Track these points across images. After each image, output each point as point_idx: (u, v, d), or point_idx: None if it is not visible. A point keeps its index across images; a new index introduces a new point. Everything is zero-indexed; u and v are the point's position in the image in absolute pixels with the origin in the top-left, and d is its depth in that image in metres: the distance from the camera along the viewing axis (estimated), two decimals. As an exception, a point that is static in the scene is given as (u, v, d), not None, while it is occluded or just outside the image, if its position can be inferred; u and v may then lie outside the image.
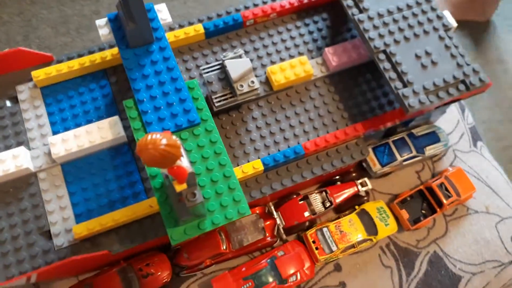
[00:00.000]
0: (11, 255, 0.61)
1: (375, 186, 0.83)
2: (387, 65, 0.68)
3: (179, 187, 0.48)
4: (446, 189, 0.78)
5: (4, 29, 1.81)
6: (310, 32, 0.80)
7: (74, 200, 0.65)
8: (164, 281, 0.73)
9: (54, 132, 0.68)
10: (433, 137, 0.83)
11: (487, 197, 0.84)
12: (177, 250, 0.75)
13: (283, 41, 0.79)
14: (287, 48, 0.79)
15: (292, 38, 0.79)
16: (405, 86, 0.67)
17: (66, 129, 0.68)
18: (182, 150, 0.46)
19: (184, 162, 0.46)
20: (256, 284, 0.72)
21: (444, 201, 0.77)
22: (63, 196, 0.65)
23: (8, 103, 0.69)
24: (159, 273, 0.73)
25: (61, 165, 0.66)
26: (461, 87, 0.68)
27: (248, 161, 0.69)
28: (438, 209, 0.78)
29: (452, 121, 0.90)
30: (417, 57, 0.69)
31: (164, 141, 0.42)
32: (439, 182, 0.79)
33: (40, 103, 0.70)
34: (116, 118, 0.67)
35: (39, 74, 0.69)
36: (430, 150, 0.82)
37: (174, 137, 0.45)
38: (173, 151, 0.42)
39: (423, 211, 0.79)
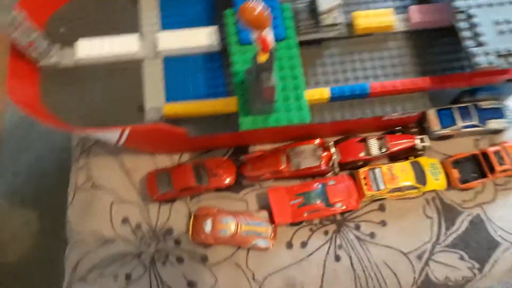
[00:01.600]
0: (111, 115, 0.76)
1: (433, 146, 0.88)
2: (464, 24, 0.73)
3: (262, 58, 0.58)
4: (501, 158, 0.82)
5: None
6: None
7: (168, 87, 0.78)
8: (227, 183, 0.85)
9: (163, 29, 0.82)
10: (498, 112, 0.87)
11: (543, 176, 0.86)
12: (243, 162, 0.87)
13: None
14: (375, 1, 0.85)
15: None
16: (477, 45, 0.72)
17: (173, 28, 0.81)
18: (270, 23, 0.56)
19: (269, 36, 0.56)
20: (305, 201, 0.81)
21: (497, 167, 0.81)
22: (159, 82, 0.78)
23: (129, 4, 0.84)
24: (225, 176, 0.85)
25: (163, 57, 0.80)
26: (536, 56, 0.71)
27: (318, 88, 0.78)
28: (489, 174, 0.82)
29: (523, 102, 0.92)
30: (497, 23, 0.73)
31: (260, 7, 0.52)
32: (495, 150, 0.83)
33: (156, 6, 0.84)
34: (215, 27, 0.79)
35: None
36: (491, 123, 0.86)
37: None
38: (265, 15, 0.53)
39: (475, 174, 0.83)
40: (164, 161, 0.89)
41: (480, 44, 0.72)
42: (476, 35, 0.72)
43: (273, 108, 0.69)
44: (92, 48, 0.78)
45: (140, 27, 0.82)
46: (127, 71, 0.80)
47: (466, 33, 0.73)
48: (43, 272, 1.46)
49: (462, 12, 0.74)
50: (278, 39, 0.73)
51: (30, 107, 0.74)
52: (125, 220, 0.86)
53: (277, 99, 0.70)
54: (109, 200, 0.87)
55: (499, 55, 0.71)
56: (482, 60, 0.71)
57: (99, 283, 0.83)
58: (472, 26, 0.73)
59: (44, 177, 1.68)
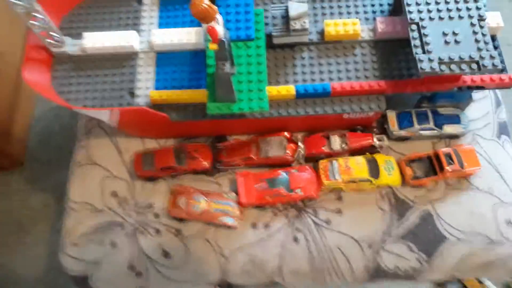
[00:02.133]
0: (106, 99, 0.89)
1: (391, 146, 0.96)
2: (415, 34, 0.83)
3: (213, 47, 0.69)
4: (451, 159, 0.89)
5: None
6: (369, 4, 0.95)
7: (157, 77, 0.91)
8: (204, 166, 0.96)
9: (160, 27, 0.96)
10: (455, 119, 0.94)
11: (493, 180, 0.92)
12: (219, 149, 0.98)
13: (348, 6, 0.95)
14: (348, 13, 0.95)
15: (355, 6, 0.95)
16: (423, 53, 0.81)
17: (167, 27, 0.95)
18: (219, 18, 0.67)
19: (218, 28, 0.67)
20: (269, 186, 0.91)
21: (446, 166, 0.88)
22: (150, 73, 0.92)
23: (135, 4, 0.98)
24: (202, 160, 0.96)
25: (156, 52, 0.93)
26: (473, 66, 0.79)
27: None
28: (440, 174, 0.89)
29: (481, 110, 0.99)
30: (444, 34, 0.82)
31: (207, 1, 0.63)
32: (446, 151, 0.90)
33: (156, 8, 0.97)
34: (202, 29, 0.91)
35: None
36: (448, 128, 0.93)
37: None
38: (211, 10, 0.64)
39: (427, 174, 0.91)
40: (152, 144, 1.01)
41: (425, 52, 0.81)
42: (423, 44, 0.82)
43: (236, 98, 0.80)
44: (96, 40, 0.93)
45: (140, 24, 0.96)
46: (124, 61, 0.94)
47: (416, 42, 0.82)
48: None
49: (415, 23, 0.84)
50: (249, 39, 0.86)
51: (41, 88, 0.88)
52: (113, 194, 0.98)
53: (242, 90, 0.82)
54: (102, 175, 1.00)
55: (441, 62, 0.80)
56: (426, 65, 0.80)
57: (88, 247, 0.95)
58: (421, 36, 0.82)
59: (65, 165, 1.83)
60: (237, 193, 0.93)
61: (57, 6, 0.96)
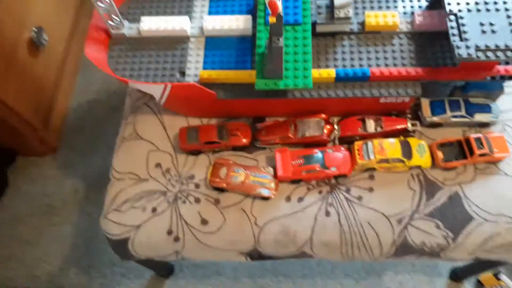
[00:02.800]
0: (158, 76, 0.96)
1: (424, 132, 1.01)
2: (454, 24, 0.88)
3: (271, 20, 0.76)
4: (481, 144, 0.93)
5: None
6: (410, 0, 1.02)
7: (206, 60, 0.98)
8: (244, 143, 1.02)
9: (209, 14, 1.03)
10: (485, 108, 0.98)
11: (521, 167, 0.96)
12: (258, 129, 1.04)
13: (387, 1, 1.02)
14: (388, 7, 1.01)
15: (395, 1, 1.02)
16: (461, 40, 0.86)
17: (217, 14, 1.02)
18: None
19: (279, 3, 0.74)
20: (305, 162, 0.96)
21: (476, 151, 0.92)
22: (200, 55, 0.99)
23: None
24: (242, 137, 1.02)
25: (206, 36, 1.01)
26: (509, 53, 0.84)
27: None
28: (469, 157, 0.93)
29: (512, 103, 1.03)
30: (481, 24, 0.87)
31: None
32: (477, 137, 0.94)
33: None
34: (250, 16, 0.99)
35: None
36: (478, 116, 0.98)
37: None
38: None
39: (457, 158, 0.95)
40: (196, 123, 1.08)
41: (463, 40, 0.86)
42: (461, 33, 0.87)
43: (282, 75, 0.86)
44: (152, 24, 1.01)
45: (192, 12, 1.04)
46: (176, 44, 1.01)
47: (454, 31, 0.88)
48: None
49: (453, 14, 0.89)
50: (297, 23, 0.93)
51: (99, 63, 0.96)
52: (157, 165, 1.04)
53: (288, 68, 0.88)
54: (147, 149, 1.07)
55: (478, 50, 0.85)
56: (463, 52, 0.85)
57: (130, 213, 1.01)
58: (459, 26, 0.88)
59: (97, 154, 1.92)
60: (274, 168, 0.98)
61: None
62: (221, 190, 0.99)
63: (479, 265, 1.25)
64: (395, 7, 1.01)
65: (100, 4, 0.94)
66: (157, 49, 1.01)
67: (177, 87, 0.94)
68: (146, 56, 1.01)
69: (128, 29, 1.02)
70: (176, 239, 0.99)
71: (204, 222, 0.98)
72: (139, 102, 1.14)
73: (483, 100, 0.99)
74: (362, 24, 0.99)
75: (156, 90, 0.97)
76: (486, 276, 1.37)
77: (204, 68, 0.98)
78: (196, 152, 1.04)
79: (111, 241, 1.03)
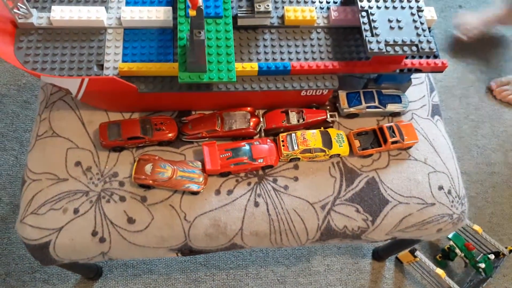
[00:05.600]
0: (74, 70, 0.91)
1: (342, 122, 1.07)
2: (365, 20, 0.94)
3: (192, 13, 0.75)
4: (393, 132, 1.01)
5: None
6: None
7: (125, 52, 0.95)
8: (169, 137, 1.00)
9: (127, 5, 0.99)
10: (396, 99, 1.07)
11: (428, 152, 1.06)
12: (184, 123, 1.03)
13: None
14: (305, 2, 1.05)
15: (312, -4, 1.06)
16: (372, 36, 0.92)
17: (135, 5, 0.98)
18: None
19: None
20: (233, 155, 0.98)
21: (389, 139, 1.00)
22: (119, 47, 0.95)
23: None
24: (167, 131, 1.00)
25: (124, 27, 0.97)
26: (414, 48, 0.91)
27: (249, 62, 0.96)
28: (383, 145, 1.01)
29: (419, 94, 1.13)
30: (389, 21, 0.94)
31: None
32: (389, 125, 1.02)
33: None
34: (170, 8, 0.97)
35: None
36: (390, 106, 1.06)
37: None
38: None
39: (372, 145, 1.02)
40: (117, 118, 1.04)
41: (373, 35, 0.92)
42: (372, 29, 0.93)
43: (206, 68, 0.86)
44: (64, 13, 0.94)
45: (108, 2, 0.99)
46: (92, 35, 0.96)
47: (366, 26, 0.93)
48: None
49: (364, 11, 0.95)
50: (218, 16, 0.93)
51: (5, 55, 0.88)
52: (77, 164, 0.99)
53: (212, 61, 0.88)
54: (66, 146, 1.01)
55: (387, 44, 0.91)
56: (374, 46, 0.91)
57: (49, 215, 0.95)
58: (370, 22, 0.94)
59: (6, 153, 1.78)
60: (202, 162, 0.98)
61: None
62: (147, 187, 0.97)
63: (396, 244, 1.37)
64: (313, 2, 1.05)
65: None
66: (71, 41, 0.95)
67: (95, 80, 0.90)
68: (59, 48, 0.94)
69: (37, 18, 0.95)
70: (102, 239, 0.95)
71: (130, 220, 0.96)
72: (54, 97, 1.06)
73: (394, 91, 1.07)
74: (282, 18, 1.02)
75: (72, 84, 0.91)
76: (403, 254, 1.50)
77: (124, 61, 0.95)
78: (118, 149, 1.00)
79: (29, 247, 0.96)
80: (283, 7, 1.04)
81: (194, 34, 0.78)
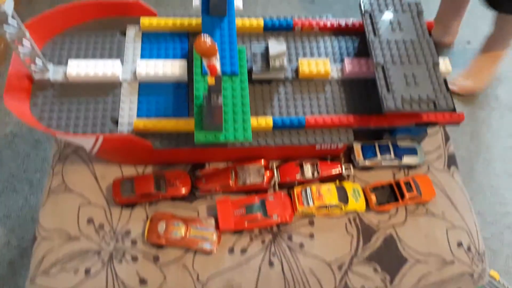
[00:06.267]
0: (89, 126, 0.91)
1: (357, 174, 1.05)
2: (380, 75, 0.93)
3: (211, 81, 0.75)
4: (410, 186, 0.99)
5: None
6: (339, 46, 1.06)
7: (140, 106, 0.94)
8: (183, 193, 0.99)
9: (142, 57, 1.00)
10: (412, 151, 1.05)
11: (445, 206, 1.03)
12: (198, 177, 1.01)
13: (318, 47, 1.06)
14: (319, 53, 1.05)
15: (325, 47, 1.06)
16: (388, 91, 0.91)
17: (150, 59, 0.99)
18: (218, 55, 0.72)
19: (217, 65, 0.73)
20: (247, 212, 0.96)
21: (406, 194, 0.98)
22: (134, 102, 0.95)
23: (118, 34, 1.01)
24: (181, 186, 0.99)
25: (139, 82, 0.97)
26: (430, 105, 0.90)
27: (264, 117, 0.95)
28: (400, 200, 0.99)
29: (434, 144, 1.11)
30: (405, 76, 0.93)
31: (210, 40, 0.69)
32: (406, 180, 1.00)
33: (139, 40, 1.01)
34: (185, 61, 0.97)
35: (145, 22, 1.02)
36: (406, 159, 1.04)
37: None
38: (214, 46, 0.69)
39: (389, 200, 1.00)
40: (130, 171, 1.03)
41: (389, 91, 0.91)
42: (388, 84, 0.92)
43: (222, 128, 0.85)
44: (80, 68, 0.95)
45: (123, 54, 1.00)
46: (107, 89, 0.96)
47: (381, 82, 0.93)
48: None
49: (380, 66, 0.94)
50: (234, 74, 0.92)
51: (21, 114, 0.88)
52: (90, 221, 0.98)
53: (227, 120, 0.87)
54: (78, 202, 0.99)
55: (404, 101, 0.90)
56: (390, 103, 0.90)
57: (60, 276, 0.93)
58: (386, 77, 0.93)
59: (16, 194, 1.77)
60: (215, 218, 0.96)
61: (42, 31, 0.98)
62: (160, 246, 0.95)
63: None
64: (327, 54, 1.04)
65: (20, 48, 0.86)
66: (87, 95, 0.95)
67: (109, 139, 0.89)
68: (74, 103, 0.94)
69: (53, 73, 0.95)
70: (113, 301, 0.93)
71: (142, 282, 0.93)
72: (67, 150, 1.06)
73: (409, 142, 1.06)
74: (296, 71, 1.02)
75: (87, 142, 0.91)
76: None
77: (139, 116, 0.94)
78: (131, 205, 0.99)
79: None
80: (297, 59, 1.04)
81: (212, 98, 0.77)
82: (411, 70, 0.94)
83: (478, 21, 2.30)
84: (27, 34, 0.83)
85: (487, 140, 2.00)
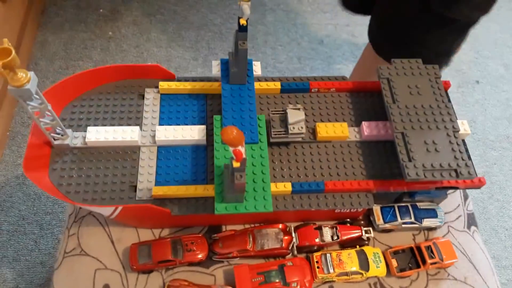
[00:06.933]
0: (107, 192, 0.90)
1: (377, 237, 1.03)
2: (401, 142, 0.93)
3: (235, 165, 0.74)
4: (432, 252, 0.97)
5: (121, 55, 2.27)
6: (356, 108, 1.06)
7: (158, 171, 0.94)
8: (200, 258, 0.97)
9: (161, 124, 1.00)
10: (432, 213, 1.04)
11: (467, 270, 1.01)
12: (215, 240, 1.00)
13: (334, 108, 1.06)
14: (336, 114, 1.05)
15: (341, 108, 1.07)
16: (409, 160, 0.90)
17: (169, 124, 0.99)
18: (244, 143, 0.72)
19: (242, 150, 0.73)
20: (265, 279, 0.94)
21: (428, 260, 0.96)
22: (152, 167, 0.94)
23: (137, 98, 1.02)
24: (198, 252, 0.97)
25: (158, 146, 0.97)
26: (452, 174, 0.90)
27: (282, 182, 0.94)
28: (422, 266, 0.97)
29: (453, 204, 1.10)
30: (426, 143, 0.92)
31: (236, 129, 0.69)
32: (427, 244, 0.98)
33: (157, 103, 1.02)
34: (203, 126, 0.98)
35: (164, 85, 1.03)
36: (426, 222, 1.03)
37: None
38: (241, 136, 0.69)
39: (410, 265, 0.98)
40: (147, 234, 1.02)
41: (411, 159, 0.90)
42: (408, 152, 0.91)
43: (243, 198, 0.85)
44: (100, 134, 0.95)
45: (142, 118, 1.00)
46: (125, 155, 0.96)
47: (402, 149, 0.92)
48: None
49: (400, 133, 0.94)
50: (253, 142, 0.92)
51: (39, 181, 0.88)
52: (105, 287, 0.96)
53: (247, 190, 0.86)
54: (94, 267, 0.98)
55: (425, 170, 0.89)
56: (412, 173, 0.89)
57: None
58: (407, 144, 0.92)
59: (26, 237, 1.76)
60: (233, 286, 0.94)
61: (61, 97, 0.98)
62: (177, 313, 0.94)
63: None
64: (344, 120, 1.04)
65: (42, 119, 0.86)
66: (105, 161, 0.95)
67: (128, 208, 0.88)
68: (93, 168, 0.94)
69: (72, 139, 0.96)
70: None
71: None
72: (83, 211, 1.05)
73: (429, 204, 1.05)
74: (314, 133, 1.01)
75: (105, 210, 0.90)
76: None
77: (157, 181, 0.94)
78: (148, 271, 0.98)
79: None
80: (314, 120, 1.04)
81: (235, 177, 0.77)
82: (431, 136, 0.94)
83: (487, 61, 2.32)
84: (49, 106, 0.84)
85: (500, 181, 1.99)
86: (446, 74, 2.23)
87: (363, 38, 1.78)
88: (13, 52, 0.70)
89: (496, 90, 2.24)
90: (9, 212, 1.79)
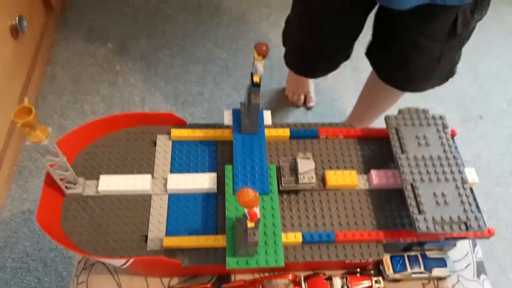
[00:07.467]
0: (118, 242, 0.91)
1: (386, 286, 1.03)
2: (410, 194, 0.93)
3: (250, 224, 0.75)
4: (443, 303, 0.97)
5: (129, 89, 2.30)
6: (364, 155, 1.08)
7: (169, 220, 0.94)
8: (209, 308, 0.97)
9: (172, 172, 1.01)
10: (442, 262, 1.04)
11: (478, 322, 1.00)
12: (224, 289, 1.00)
13: (343, 155, 1.08)
14: (344, 161, 1.07)
15: (350, 155, 1.08)
16: (419, 213, 0.91)
17: (180, 172, 1.00)
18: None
19: (257, 211, 0.73)
20: (275, 332, 0.93)
21: (439, 312, 0.96)
22: (163, 216, 0.95)
23: (148, 145, 1.04)
24: (207, 302, 0.97)
25: (169, 194, 0.98)
26: (462, 226, 0.90)
27: (293, 232, 0.94)
28: (433, 318, 0.96)
29: (462, 252, 1.10)
30: (435, 195, 0.93)
31: (252, 191, 0.70)
32: (438, 297, 0.98)
33: (169, 150, 1.04)
34: (214, 174, 0.99)
35: (176, 132, 1.05)
36: (436, 272, 1.02)
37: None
38: (257, 199, 0.70)
39: (421, 317, 0.98)
40: (156, 282, 1.01)
41: (421, 212, 0.91)
42: (419, 203, 0.92)
43: (255, 252, 0.85)
44: (112, 184, 0.96)
45: (153, 169, 1.01)
46: (137, 203, 0.97)
47: (412, 202, 0.93)
48: None
49: (410, 184, 0.95)
50: (264, 193, 0.93)
51: (51, 231, 0.88)
52: (114, 338, 0.96)
53: (259, 243, 0.87)
54: (103, 316, 0.98)
55: (435, 223, 0.90)
56: (422, 226, 0.89)
57: None
58: (416, 196, 0.93)
59: (30, 274, 1.75)
60: (243, 338, 0.94)
61: (72, 146, 1.00)
62: None
63: None
64: (352, 167, 1.06)
65: (56, 171, 0.88)
66: (117, 209, 0.96)
67: (140, 260, 0.89)
68: (104, 217, 0.95)
69: (84, 187, 0.97)
70: None
71: None
72: (92, 258, 1.05)
73: (438, 253, 1.05)
74: (323, 180, 1.02)
75: (116, 262, 0.90)
76: None
77: (168, 230, 0.94)
78: (158, 322, 0.97)
79: None
80: (322, 167, 1.05)
81: (249, 234, 0.77)
82: (440, 188, 0.95)
83: (489, 97, 2.35)
84: (65, 159, 0.85)
85: (506, 218, 1.98)
86: (450, 109, 2.26)
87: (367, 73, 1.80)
88: (34, 111, 0.72)
89: (499, 125, 2.26)
90: (13, 248, 1.79)
